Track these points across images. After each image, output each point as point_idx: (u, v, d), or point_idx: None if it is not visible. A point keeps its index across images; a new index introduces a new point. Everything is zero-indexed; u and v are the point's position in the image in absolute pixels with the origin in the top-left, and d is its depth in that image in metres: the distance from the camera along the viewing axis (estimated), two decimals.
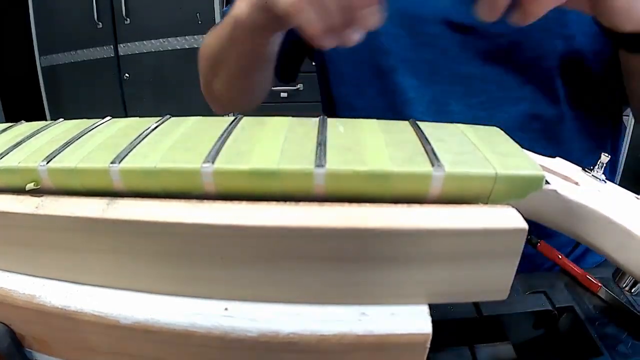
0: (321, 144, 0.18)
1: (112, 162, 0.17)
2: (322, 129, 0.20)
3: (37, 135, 0.21)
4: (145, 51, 1.78)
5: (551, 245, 0.31)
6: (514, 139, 0.20)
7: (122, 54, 1.80)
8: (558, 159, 0.24)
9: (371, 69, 0.43)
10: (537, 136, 0.40)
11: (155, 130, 0.20)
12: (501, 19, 0.33)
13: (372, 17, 0.27)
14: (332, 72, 0.46)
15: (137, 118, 0.22)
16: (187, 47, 1.76)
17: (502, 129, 0.21)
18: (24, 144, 0.20)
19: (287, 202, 0.17)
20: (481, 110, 0.40)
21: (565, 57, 0.39)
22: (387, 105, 0.43)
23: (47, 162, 0.18)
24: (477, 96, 0.40)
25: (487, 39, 0.40)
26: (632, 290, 0.28)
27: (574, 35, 0.39)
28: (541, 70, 0.40)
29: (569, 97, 0.41)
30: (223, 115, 0.26)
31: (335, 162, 0.17)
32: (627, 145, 1.31)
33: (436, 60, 0.41)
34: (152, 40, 1.76)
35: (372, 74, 0.43)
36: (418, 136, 0.19)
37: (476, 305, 0.26)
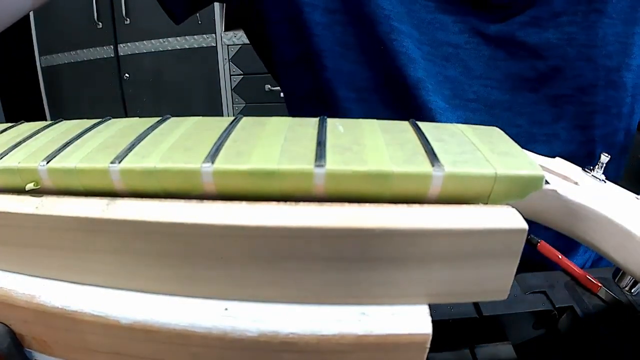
0: (321, 143, 0.18)
1: (112, 162, 0.17)
2: (322, 129, 0.20)
3: (37, 135, 0.21)
4: (145, 51, 1.79)
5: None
6: None
7: (122, 54, 1.80)
8: (558, 159, 0.24)
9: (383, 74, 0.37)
10: None
11: (155, 130, 0.20)
12: (543, 35, 0.28)
13: None
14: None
15: (137, 118, 0.22)
16: (187, 47, 1.76)
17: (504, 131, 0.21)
18: (24, 144, 0.20)
19: (287, 202, 0.17)
20: None
21: (608, 92, 0.34)
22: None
23: (47, 162, 0.18)
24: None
25: (520, 57, 0.33)
26: (632, 290, 0.28)
27: (618, 68, 0.33)
28: (580, 105, 0.34)
29: (604, 137, 0.35)
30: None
31: (335, 162, 0.17)
32: None
33: (457, 78, 0.35)
34: (152, 40, 1.77)
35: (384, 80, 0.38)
36: (418, 136, 0.19)
37: (476, 305, 0.26)
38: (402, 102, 0.36)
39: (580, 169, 0.24)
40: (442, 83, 0.35)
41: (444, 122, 0.36)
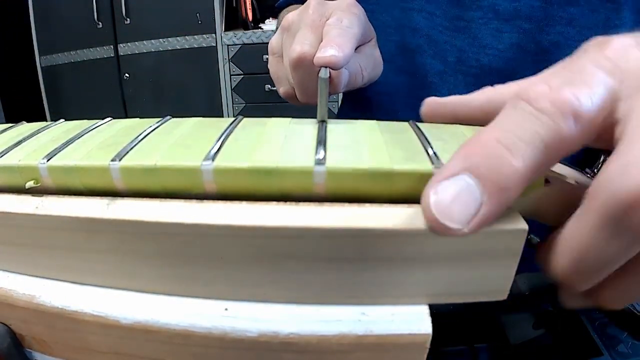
0: (321, 142, 0.18)
1: (112, 160, 0.17)
2: (321, 129, 0.20)
3: (37, 135, 0.21)
4: (145, 51, 1.79)
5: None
6: None
7: (122, 54, 1.80)
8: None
9: (397, 45, 0.42)
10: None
11: (155, 130, 0.20)
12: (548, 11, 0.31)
13: None
14: None
15: (138, 119, 0.22)
16: (187, 47, 1.76)
17: None
18: (24, 143, 0.20)
19: (287, 202, 0.17)
20: None
21: None
22: (409, 84, 0.41)
23: (48, 160, 0.18)
24: None
25: (527, 32, 0.37)
26: None
27: None
28: None
29: None
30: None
31: (335, 160, 0.17)
32: None
33: (465, 47, 0.39)
34: (152, 40, 1.77)
35: (398, 50, 0.42)
36: (418, 136, 0.19)
37: (476, 305, 0.26)
38: (409, 68, 0.41)
39: (579, 169, 0.24)
40: (449, 51, 0.39)
41: (443, 84, 0.40)
